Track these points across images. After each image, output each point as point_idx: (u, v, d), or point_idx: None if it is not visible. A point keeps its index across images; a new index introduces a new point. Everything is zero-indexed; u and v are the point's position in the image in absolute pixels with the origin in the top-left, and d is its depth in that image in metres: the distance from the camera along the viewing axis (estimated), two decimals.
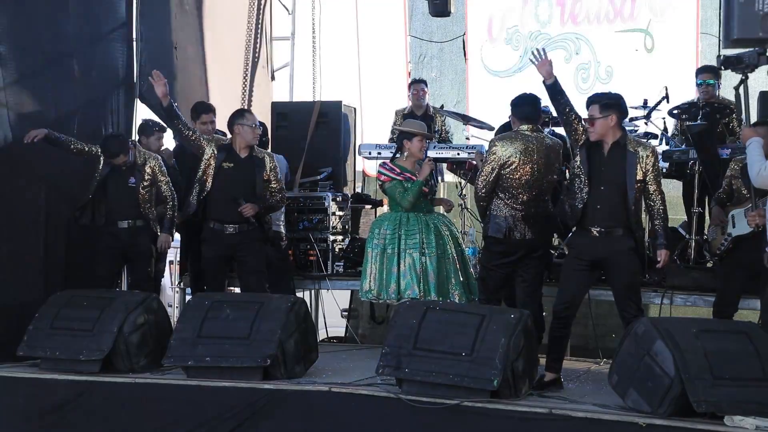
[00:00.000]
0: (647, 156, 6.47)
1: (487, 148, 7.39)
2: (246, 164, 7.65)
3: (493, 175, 6.99)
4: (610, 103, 6.50)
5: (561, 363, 6.69)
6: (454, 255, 7.40)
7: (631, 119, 8.42)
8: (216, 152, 7.62)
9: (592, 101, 6.54)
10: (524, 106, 7.12)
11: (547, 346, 6.73)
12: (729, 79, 8.30)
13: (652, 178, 6.50)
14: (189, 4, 10.09)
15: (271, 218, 8.07)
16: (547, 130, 8.37)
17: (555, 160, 7.14)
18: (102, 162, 7.95)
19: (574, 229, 6.70)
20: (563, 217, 6.77)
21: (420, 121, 7.83)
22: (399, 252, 7.34)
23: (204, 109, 8.46)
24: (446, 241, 7.38)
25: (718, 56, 7.58)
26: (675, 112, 8.32)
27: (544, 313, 7.25)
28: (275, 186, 7.76)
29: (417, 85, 10.22)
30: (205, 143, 7.62)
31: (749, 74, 6.63)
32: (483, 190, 7.04)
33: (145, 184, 7.94)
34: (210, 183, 7.59)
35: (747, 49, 6.58)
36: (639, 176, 6.46)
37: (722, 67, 7.56)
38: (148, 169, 7.94)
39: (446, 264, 7.34)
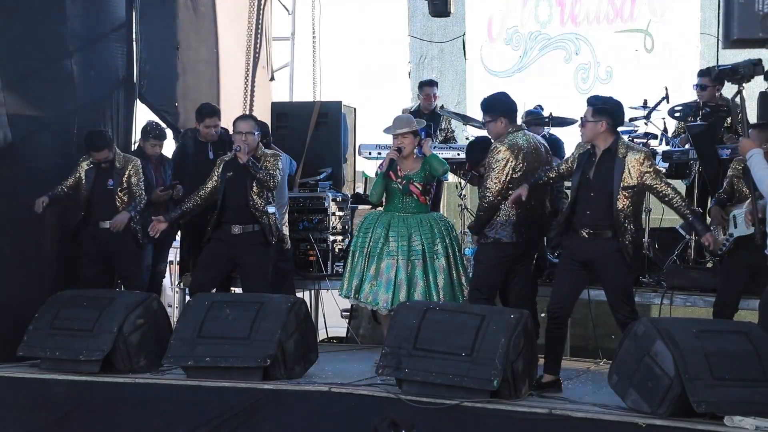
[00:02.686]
0: (637, 160, 6.37)
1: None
2: (244, 167, 7.62)
3: (506, 178, 6.94)
4: (604, 109, 6.43)
5: (559, 364, 6.64)
6: (418, 258, 7.16)
7: (631, 119, 8.41)
8: (220, 171, 7.71)
9: (588, 103, 6.53)
10: (505, 105, 7.13)
11: (545, 347, 6.70)
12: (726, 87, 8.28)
13: (653, 178, 6.39)
14: (203, 5, 10.08)
15: (277, 220, 7.98)
16: (546, 129, 8.38)
17: (546, 159, 7.12)
18: (86, 166, 7.98)
19: (565, 230, 6.68)
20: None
21: (408, 116, 7.68)
22: (350, 249, 7.43)
23: (209, 113, 8.44)
24: (413, 245, 7.17)
25: (713, 68, 7.49)
26: (676, 114, 8.32)
27: (543, 315, 7.23)
28: (269, 166, 7.68)
29: (428, 88, 9.90)
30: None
31: (744, 84, 6.55)
32: (498, 197, 6.93)
33: (123, 187, 7.99)
34: (219, 194, 7.69)
35: (742, 60, 6.53)
36: (629, 182, 6.36)
37: (717, 79, 7.55)
38: (125, 174, 7.98)
39: (407, 267, 7.14)
